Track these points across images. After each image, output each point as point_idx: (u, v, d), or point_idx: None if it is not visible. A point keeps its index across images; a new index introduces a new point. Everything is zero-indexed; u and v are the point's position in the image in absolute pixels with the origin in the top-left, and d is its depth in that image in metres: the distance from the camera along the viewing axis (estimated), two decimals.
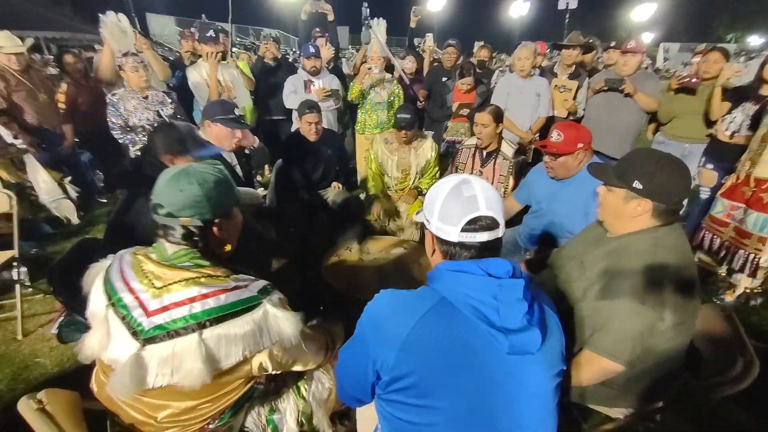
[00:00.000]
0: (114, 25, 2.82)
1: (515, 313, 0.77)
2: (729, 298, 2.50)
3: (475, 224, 0.83)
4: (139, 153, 2.79)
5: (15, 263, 2.24)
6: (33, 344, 2.10)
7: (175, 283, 0.93)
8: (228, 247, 1.12)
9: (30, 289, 2.42)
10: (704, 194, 2.92)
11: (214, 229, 1.03)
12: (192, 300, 0.91)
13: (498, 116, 2.55)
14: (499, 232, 0.86)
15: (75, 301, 1.38)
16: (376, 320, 0.85)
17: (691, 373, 1.36)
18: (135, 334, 0.90)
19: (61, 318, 1.88)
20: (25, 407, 0.94)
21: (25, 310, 2.26)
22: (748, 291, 2.45)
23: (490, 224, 0.84)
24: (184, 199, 0.97)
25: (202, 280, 0.95)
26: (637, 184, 1.15)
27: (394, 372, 0.79)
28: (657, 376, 1.26)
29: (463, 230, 0.83)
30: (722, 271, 2.63)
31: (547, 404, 0.84)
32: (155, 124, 2.80)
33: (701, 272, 2.74)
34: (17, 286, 2.20)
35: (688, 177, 1.18)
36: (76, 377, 1.12)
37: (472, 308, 0.79)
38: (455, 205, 0.85)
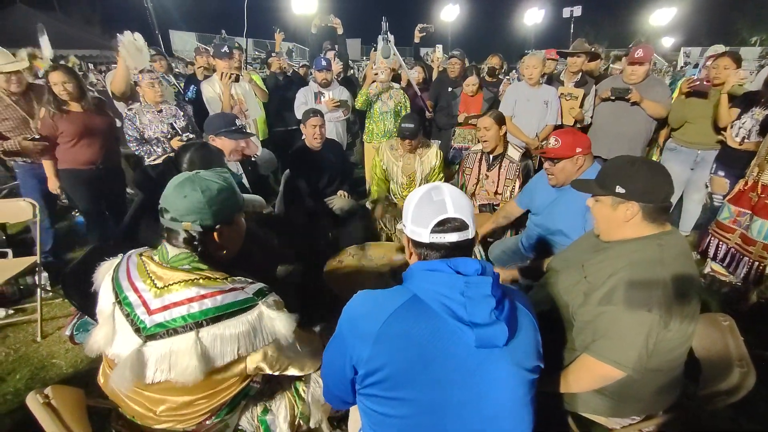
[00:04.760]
0: (130, 43, 2.96)
1: (482, 309, 0.81)
2: (743, 308, 2.42)
3: (444, 225, 0.88)
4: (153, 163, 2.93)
5: (37, 269, 2.37)
6: (50, 346, 2.21)
7: (175, 283, 0.98)
8: (225, 252, 1.17)
9: (50, 293, 2.55)
10: (717, 202, 2.85)
11: (215, 234, 1.08)
12: (190, 300, 0.96)
13: (499, 119, 2.63)
14: (469, 233, 0.90)
15: (87, 305, 1.45)
16: (352, 318, 0.90)
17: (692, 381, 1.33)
18: (138, 330, 0.96)
19: (74, 321, 1.99)
20: (33, 401, 1.00)
21: (45, 313, 2.38)
22: (762, 301, 2.36)
23: (459, 225, 0.88)
24: (188, 204, 1.02)
25: (201, 281, 1.00)
26: (619, 189, 1.18)
27: (369, 365, 0.83)
28: (655, 385, 1.24)
29: (432, 231, 0.88)
30: (736, 281, 2.54)
31: (518, 397, 0.85)
32: (168, 136, 2.94)
33: (715, 282, 2.66)
34: (38, 291, 2.32)
35: (666, 173, 1.19)
36: (87, 377, 1.19)
37: (441, 304, 0.83)
38: (426, 209, 0.90)
